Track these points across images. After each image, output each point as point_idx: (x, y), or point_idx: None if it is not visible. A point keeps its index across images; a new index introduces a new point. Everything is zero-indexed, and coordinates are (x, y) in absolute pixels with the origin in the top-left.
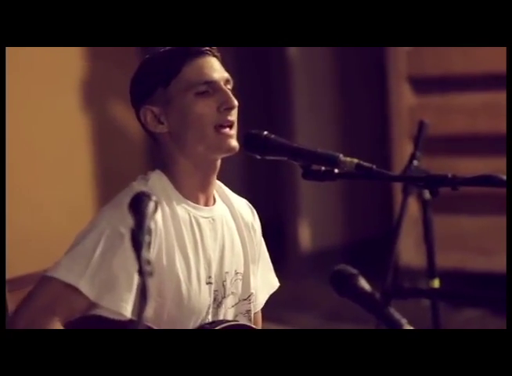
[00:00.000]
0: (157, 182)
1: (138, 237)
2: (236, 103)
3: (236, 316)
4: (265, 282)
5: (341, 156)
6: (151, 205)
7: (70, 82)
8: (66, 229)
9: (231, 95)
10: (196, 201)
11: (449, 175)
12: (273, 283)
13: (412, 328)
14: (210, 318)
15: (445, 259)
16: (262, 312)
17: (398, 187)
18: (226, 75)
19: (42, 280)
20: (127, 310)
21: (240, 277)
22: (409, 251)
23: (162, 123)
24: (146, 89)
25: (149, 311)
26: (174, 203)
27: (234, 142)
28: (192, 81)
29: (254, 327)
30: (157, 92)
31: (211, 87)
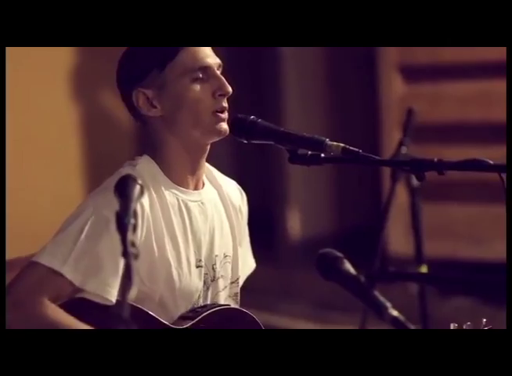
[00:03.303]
0: (146, 167)
1: (123, 220)
2: (230, 89)
3: (225, 299)
4: (244, 264)
5: (328, 140)
6: (137, 188)
7: (60, 71)
8: (56, 216)
9: (225, 82)
10: (186, 185)
11: (435, 159)
12: (251, 265)
13: (397, 313)
14: (201, 301)
15: (435, 248)
16: (250, 300)
17: (387, 175)
18: (218, 61)
19: (28, 265)
20: (112, 294)
21: (229, 260)
22: (398, 239)
23: (155, 107)
24: (138, 72)
25: (133, 293)
26: (163, 188)
27: (226, 126)
28: (188, 67)
29: (244, 310)
30: (151, 75)
31: (206, 72)
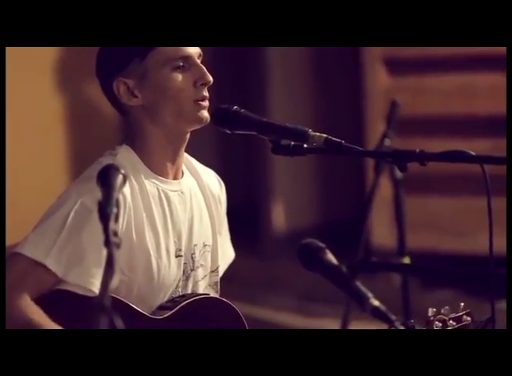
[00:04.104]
0: (125, 157)
1: (106, 209)
2: (211, 78)
3: (205, 288)
4: (224, 253)
5: (310, 131)
6: (119, 178)
7: (44, 63)
8: (40, 206)
9: (206, 71)
10: (165, 175)
11: (417, 150)
12: (231, 254)
13: (380, 306)
14: (180, 290)
15: (418, 240)
16: (234, 292)
17: (370, 167)
18: (199, 50)
19: (10, 257)
20: (95, 285)
21: (209, 249)
22: (381, 231)
23: (136, 96)
24: (119, 61)
25: (115, 283)
26: (143, 177)
27: (207, 113)
28: (169, 56)
29: (224, 300)
30: (132, 64)
31: (187, 61)
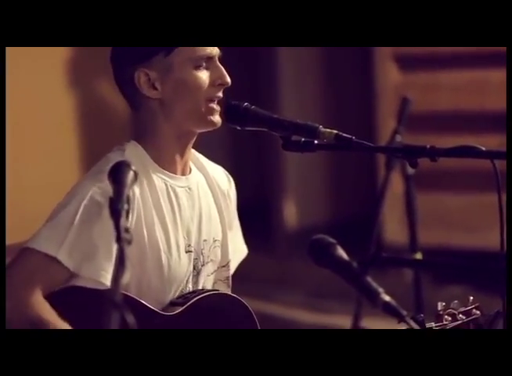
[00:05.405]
0: (134, 153)
1: (117, 206)
2: (229, 80)
3: (215, 283)
4: (236, 250)
5: (321, 127)
6: (130, 174)
7: (56, 62)
8: (51, 203)
9: (226, 73)
10: (173, 171)
11: (428, 146)
12: (243, 251)
13: (391, 301)
14: (190, 286)
15: (429, 237)
16: (246, 289)
17: (382, 163)
18: (219, 51)
19: (21, 252)
20: (106, 278)
21: (219, 244)
22: (393, 227)
23: (156, 89)
24: (144, 53)
25: (126, 279)
26: (151, 173)
27: (218, 117)
28: (194, 54)
29: (234, 295)
30: (156, 57)
31: (209, 62)
